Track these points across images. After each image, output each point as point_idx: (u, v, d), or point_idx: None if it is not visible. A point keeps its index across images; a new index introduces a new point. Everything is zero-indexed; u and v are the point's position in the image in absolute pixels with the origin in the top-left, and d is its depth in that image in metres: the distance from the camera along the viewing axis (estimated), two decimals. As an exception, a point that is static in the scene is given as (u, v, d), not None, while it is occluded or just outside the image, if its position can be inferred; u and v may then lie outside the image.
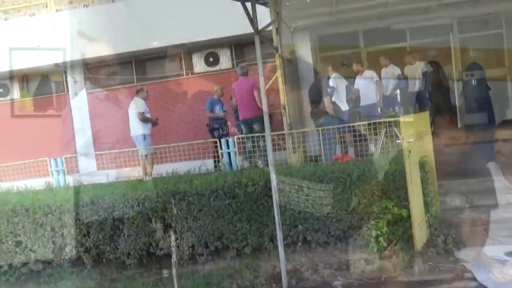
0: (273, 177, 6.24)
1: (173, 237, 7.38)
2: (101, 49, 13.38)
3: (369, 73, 10.99)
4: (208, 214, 7.21)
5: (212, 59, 13.96)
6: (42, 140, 14.30)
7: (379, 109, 10.68)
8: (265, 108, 6.51)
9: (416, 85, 11.24)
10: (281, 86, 9.43)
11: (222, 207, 7.18)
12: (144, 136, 11.06)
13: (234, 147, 8.02)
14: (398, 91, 11.23)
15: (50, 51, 13.58)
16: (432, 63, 12.43)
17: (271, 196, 7.06)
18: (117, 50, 13.38)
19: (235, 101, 10.39)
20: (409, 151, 6.41)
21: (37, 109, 14.62)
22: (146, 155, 10.83)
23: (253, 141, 9.37)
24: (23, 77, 14.72)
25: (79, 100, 14.26)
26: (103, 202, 7.47)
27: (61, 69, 14.41)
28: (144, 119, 10.77)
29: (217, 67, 13.90)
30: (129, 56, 13.86)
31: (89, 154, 13.94)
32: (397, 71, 11.00)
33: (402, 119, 6.66)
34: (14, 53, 13.61)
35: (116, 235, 7.64)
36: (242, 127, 10.52)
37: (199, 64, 14.01)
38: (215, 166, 10.37)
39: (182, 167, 9.94)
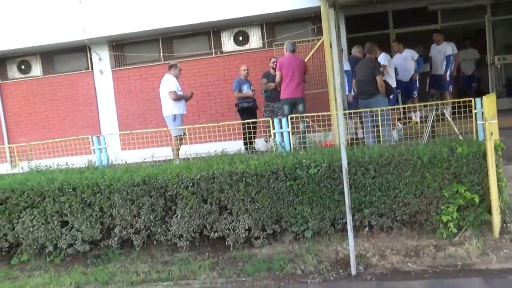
0: (344, 156, 5.85)
1: (228, 219, 6.96)
2: (128, 26, 12.89)
3: (410, 52, 10.72)
4: (267, 196, 6.82)
5: (241, 38, 13.43)
6: (66, 119, 13.80)
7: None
8: (338, 85, 6.08)
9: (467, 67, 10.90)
10: (330, 65, 8.96)
11: (282, 189, 6.76)
12: (175, 116, 10.59)
13: (288, 127, 7.56)
14: (449, 71, 10.87)
15: (75, 26, 13.04)
16: (467, 45, 12.15)
17: (335, 178, 6.74)
18: (143, 27, 12.89)
19: (280, 78, 9.84)
20: (491, 133, 6.04)
21: (60, 86, 14.07)
22: (177, 136, 10.34)
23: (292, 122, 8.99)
24: (46, 54, 14.16)
25: (104, 78, 13.75)
26: (156, 181, 7.03)
27: (86, 46, 13.81)
28: (175, 98, 10.27)
29: (247, 46, 13.42)
30: (156, 34, 13.44)
31: (114, 133, 13.46)
32: (448, 50, 10.63)
33: (485, 98, 6.26)
34: (37, 29, 13.09)
35: (168, 216, 7.24)
36: (285, 107, 10.04)
37: (228, 42, 13.55)
38: (246, 148, 10.19)
39: (212, 148, 9.63)
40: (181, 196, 7.10)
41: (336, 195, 6.77)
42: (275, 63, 11.44)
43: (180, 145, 10.32)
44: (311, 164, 6.80)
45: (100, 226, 7.45)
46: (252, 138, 10.21)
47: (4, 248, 7.73)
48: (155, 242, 7.42)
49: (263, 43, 13.29)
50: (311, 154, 6.97)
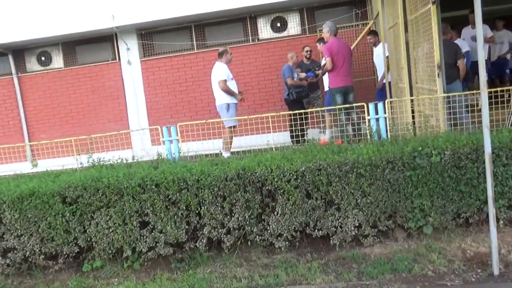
0: (487, 141, 5.03)
1: (336, 215, 6.10)
2: (157, 12, 11.96)
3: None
4: (381, 189, 6.00)
5: (279, 24, 12.57)
6: (91, 113, 12.79)
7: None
8: (482, 60, 5.27)
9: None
10: (403, 47, 8.16)
11: (399, 180, 5.93)
12: (228, 106, 9.73)
13: (385, 112, 6.72)
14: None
15: (101, 14, 12.05)
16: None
17: (460, 167, 5.91)
18: (175, 13, 11.99)
19: (331, 64, 8.99)
20: None
21: (85, 79, 13.06)
22: (230, 128, 9.48)
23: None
24: (68, 44, 13.13)
25: (132, 69, 12.79)
26: (253, 175, 6.17)
27: (112, 35, 12.82)
28: (225, 89, 9.52)
29: (285, 33, 12.60)
30: (188, 20, 12.59)
31: (143, 127, 12.53)
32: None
33: None
34: (58, 17, 12.08)
35: (265, 213, 6.36)
36: (337, 96, 9.22)
37: (265, 29, 12.70)
38: (294, 141, 9.56)
39: (261, 140, 8.85)
40: (281, 191, 6.21)
41: (462, 185, 5.91)
42: (309, 52, 10.66)
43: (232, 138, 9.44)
44: (432, 152, 5.93)
45: (186, 227, 6.49)
46: (305, 129, 9.36)
47: (71, 254, 6.69)
48: (248, 242, 6.44)
49: (303, 30, 12.53)
50: (431, 140, 6.09)
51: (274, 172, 6.23)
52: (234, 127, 9.67)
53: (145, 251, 6.68)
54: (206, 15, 12.45)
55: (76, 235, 6.72)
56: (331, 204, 6.35)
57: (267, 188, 6.35)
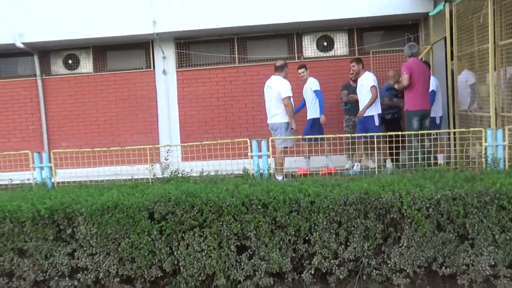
0: None
1: (469, 252, 5.24)
2: (199, 22, 11.09)
3: None
4: (525, 224, 5.12)
5: (326, 43, 11.80)
6: (119, 123, 11.74)
7: None
8: None
9: None
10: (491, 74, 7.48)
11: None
12: (288, 125, 8.85)
13: (504, 140, 5.95)
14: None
15: (136, 19, 11.11)
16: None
17: None
18: (217, 24, 11.14)
19: (407, 82, 8.26)
20: None
21: (116, 86, 12.03)
22: (284, 148, 8.63)
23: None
24: (100, 48, 12.11)
25: (167, 79, 11.83)
26: (377, 200, 5.29)
27: (148, 42, 11.87)
28: (290, 107, 8.93)
29: (331, 53, 11.83)
30: (230, 33, 11.69)
31: (175, 142, 11.56)
32: None
33: None
34: (92, 18, 11.11)
35: (385, 245, 5.44)
36: (414, 120, 8.44)
37: (310, 48, 11.93)
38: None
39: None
40: (409, 220, 5.30)
41: None
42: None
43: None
44: None
45: (293, 254, 5.53)
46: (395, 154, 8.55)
47: (151, 277, 5.64)
48: (362, 277, 5.51)
49: (350, 51, 11.70)
50: None
51: (404, 198, 5.31)
52: (287, 147, 8.78)
53: (241, 279, 5.61)
54: (250, 28, 11.63)
55: (161, 257, 5.70)
56: (464, 239, 5.48)
57: (392, 216, 5.43)
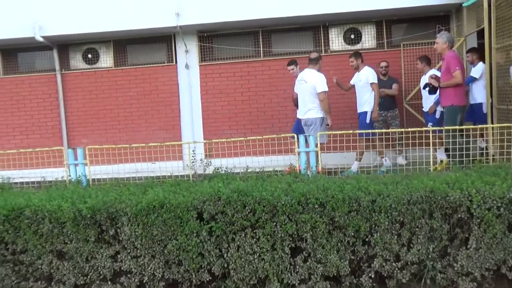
0: None
1: None
2: (223, 14, 10.65)
3: None
4: None
5: (353, 36, 11.37)
6: (141, 119, 11.32)
7: None
8: None
9: None
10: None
11: None
12: (322, 120, 8.44)
13: None
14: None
15: (159, 11, 10.67)
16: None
17: None
18: (242, 16, 10.73)
19: (461, 79, 7.85)
20: None
21: (137, 81, 11.61)
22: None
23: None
24: (121, 42, 11.68)
25: (190, 73, 11.40)
26: (444, 199, 4.91)
27: (170, 36, 11.43)
28: (325, 102, 8.54)
29: (358, 46, 11.39)
30: (255, 25, 11.24)
31: (198, 139, 11.15)
32: None
33: None
34: (113, 11, 10.69)
35: (451, 246, 5.05)
36: (458, 115, 8.02)
37: (337, 40, 11.47)
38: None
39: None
40: (478, 221, 4.87)
41: None
42: (384, 68, 9.45)
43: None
44: None
45: (352, 257, 5.11)
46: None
47: (199, 281, 5.24)
48: (425, 280, 5.10)
49: (378, 44, 11.26)
50: None
51: (474, 197, 4.89)
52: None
53: (295, 284, 5.21)
54: (275, 20, 11.22)
55: (210, 259, 5.29)
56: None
57: (459, 216, 5.01)
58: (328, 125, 8.35)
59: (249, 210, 5.27)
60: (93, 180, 6.92)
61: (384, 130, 8.48)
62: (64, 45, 11.98)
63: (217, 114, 11.76)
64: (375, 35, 11.66)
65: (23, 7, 11.10)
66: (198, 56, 11.76)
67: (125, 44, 12.08)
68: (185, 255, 5.34)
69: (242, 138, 7.28)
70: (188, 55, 11.74)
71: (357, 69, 9.21)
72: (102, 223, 5.46)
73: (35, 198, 5.57)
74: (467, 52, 9.76)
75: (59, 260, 5.58)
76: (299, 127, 9.17)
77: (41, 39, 11.22)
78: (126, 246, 5.45)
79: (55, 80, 11.98)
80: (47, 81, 12.09)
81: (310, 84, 8.41)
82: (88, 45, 12.15)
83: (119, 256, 5.51)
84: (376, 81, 8.84)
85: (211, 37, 11.75)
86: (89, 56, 12.10)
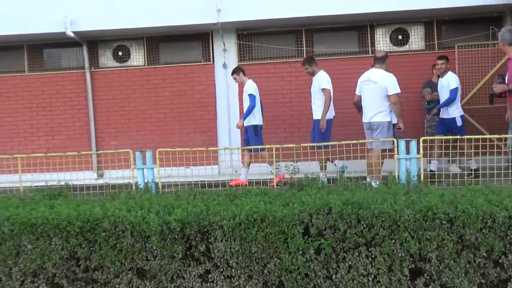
0: None
1: None
2: (264, 11, 9.91)
3: None
4: None
5: (401, 37, 10.67)
6: (175, 120, 10.56)
7: None
8: None
9: None
10: None
11: None
12: (389, 124, 7.77)
13: None
14: None
15: (197, 7, 9.92)
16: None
17: None
18: (285, 14, 10.03)
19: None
20: None
21: (171, 81, 10.84)
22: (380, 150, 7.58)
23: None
24: (154, 39, 10.90)
25: (228, 73, 10.71)
26: None
27: (207, 33, 10.68)
28: (399, 105, 7.81)
29: (406, 47, 10.70)
30: (297, 24, 10.58)
31: (235, 143, 10.49)
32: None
33: None
34: (146, 6, 9.94)
35: None
36: None
37: (383, 41, 10.75)
38: None
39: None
40: None
41: None
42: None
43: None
44: None
45: (482, 280, 4.35)
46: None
47: None
48: None
49: (427, 45, 10.57)
50: None
51: None
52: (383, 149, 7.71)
53: None
54: (319, 19, 10.54)
55: (317, 281, 4.51)
56: None
57: None
58: (400, 128, 7.58)
59: (364, 225, 4.47)
60: (166, 186, 6.12)
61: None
62: (93, 42, 11.22)
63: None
64: (423, 36, 10.91)
65: (54, 1, 10.27)
66: (237, 55, 11.03)
67: (158, 41, 11.34)
68: (288, 276, 4.54)
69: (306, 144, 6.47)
70: (226, 54, 11.01)
71: (313, 74, 8.58)
72: (192, 238, 4.62)
73: (111, 207, 4.72)
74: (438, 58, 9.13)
75: (139, 279, 4.77)
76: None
77: (71, 35, 10.43)
78: (218, 264, 4.65)
79: (83, 78, 11.19)
80: (76, 80, 11.30)
81: (380, 85, 7.66)
82: (119, 42, 11.34)
83: (209, 275, 4.68)
84: (329, 87, 8.35)
85: (250, 35, 11.04)
86: (120, 53, 11.26)
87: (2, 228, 4.82)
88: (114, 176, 7.52)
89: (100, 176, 11.06)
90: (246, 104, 8.85)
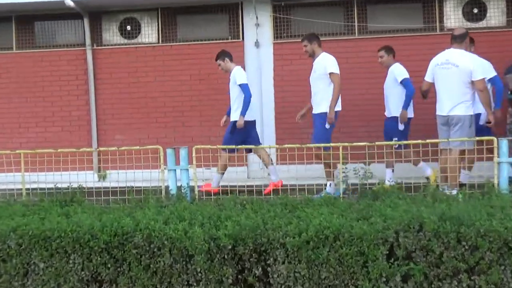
0: None
1: None
2: None
3: None
4: None
5: (476, 10, 10.47)
6: (195, 109, 10.67)
7: None
8: None
9: None
10: None
11: None
12: (471, 118, 7.61)
13: None
14: None
15: None
16: None
17: None
18: None
19: None
20: None
21: (191, 61, 10.73)
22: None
23: None
24: (169, 12, 10.78)
25: (260, 53, 10.53)
26: None
27: (236, 3, 10.58)
28: (485, 91, 7.34)
29: (482, 23, 10.49)
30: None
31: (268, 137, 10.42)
32: None
33: None
34: None
35: None
36: None
37: (454, 15, 10.54)
38: None
39: None
40: None
41: None
42: None
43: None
44: None
45: None
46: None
47: None
48: None
49: (509, 21, 10.34)
50: None
51: None
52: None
53: None
54: (375, -12, 10.27)
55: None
56: None
57: None
58: (489, 122, 7.41)
59: (466, 247, 4.29)
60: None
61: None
62: (96, 13, 11.16)
63: (291, 104, 10.83)
64: (504, 9, 10.71)
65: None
66: (272, 31, 10.94)
67: (175, 13, 11.25)
68: (367, 305, 4.34)
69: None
70: (259, 30, 10.92)
71: (312, 55, 8.23)
72: (245, 258, 4.47)
73: (143, 218, 4.59)
74: None
75: (177, 309, 4.59)
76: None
77: (71, 4, 10.44)
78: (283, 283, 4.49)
79: (84, 57, 11.20)
80: (74, 59, 11.32)
81: (463, 69, 7.43)
82: (127, 13, 11.27)
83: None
84: (338, 72, 7.94)
85: (289, 8, 10.93)
86: (128, 28, 11.21)
87: (8, 241, 4.68)
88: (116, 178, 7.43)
89: (102, 177, 11.00)
90: (234, 95, 8.60)
